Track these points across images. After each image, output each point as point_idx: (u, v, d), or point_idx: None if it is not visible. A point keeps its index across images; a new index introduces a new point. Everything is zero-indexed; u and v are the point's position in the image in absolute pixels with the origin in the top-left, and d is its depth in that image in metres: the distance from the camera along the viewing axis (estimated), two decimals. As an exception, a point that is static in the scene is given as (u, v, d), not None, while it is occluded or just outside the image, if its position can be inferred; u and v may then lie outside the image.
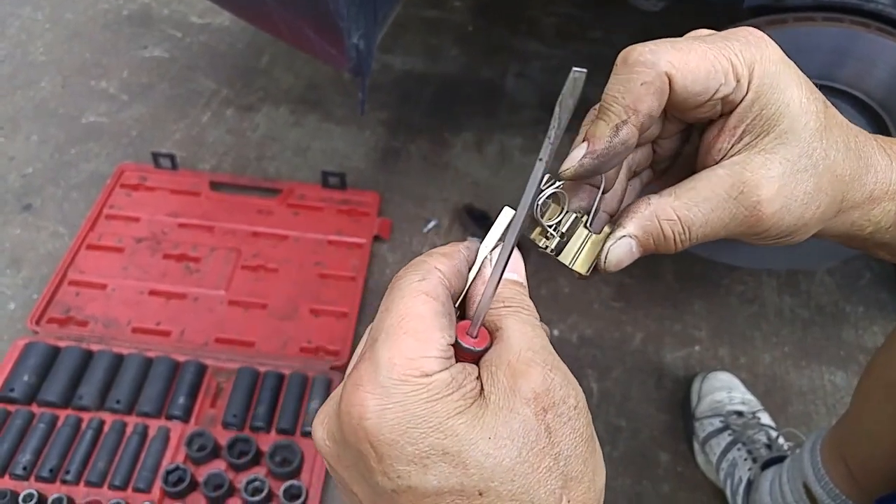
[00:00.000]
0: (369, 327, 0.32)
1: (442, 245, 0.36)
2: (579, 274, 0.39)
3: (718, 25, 0.98)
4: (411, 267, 0.33)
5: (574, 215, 0.38)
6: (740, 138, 0.37)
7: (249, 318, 1.30)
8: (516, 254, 0.35)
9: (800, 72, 0.38)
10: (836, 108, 0.92)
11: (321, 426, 0.32)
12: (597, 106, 0.38)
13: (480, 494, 0.28)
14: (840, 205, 0.40)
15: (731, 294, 1.43)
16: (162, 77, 1.77)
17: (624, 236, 0.38)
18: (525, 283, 0.35)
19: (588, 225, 0.38)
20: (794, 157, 0.37)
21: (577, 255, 0.38)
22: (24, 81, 1.74)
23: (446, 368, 0.30)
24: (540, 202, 0.37)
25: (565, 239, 0.38)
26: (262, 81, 1.77)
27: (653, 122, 0.37)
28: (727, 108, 0.37)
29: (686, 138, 0.43)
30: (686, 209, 0.37)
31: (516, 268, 0.35)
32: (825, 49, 0.91)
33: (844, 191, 0.39)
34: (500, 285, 0.32)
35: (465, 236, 1.45)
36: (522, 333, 0.31)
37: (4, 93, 1.71)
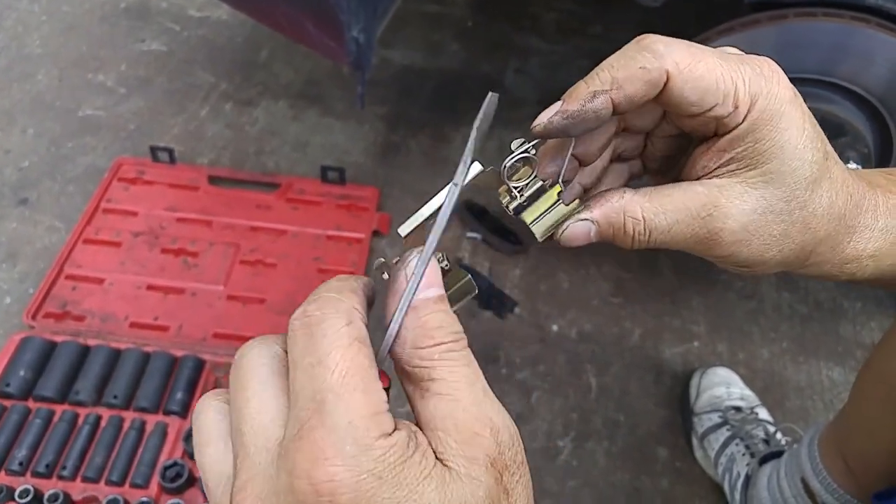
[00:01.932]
0: (292, 390, 0.28)
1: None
2: (534, 236, 0.39)
3: (719, 21, 0.98)
4: (327, 307, 0.29)
5: (541, 182, 0.38)
6: (727, 163, 0.37)
7: (248, 313, 1.29)
8: (434, 261, 0.32)
9: (808, 118, 0.37)
10: (836, 104, 0.91)
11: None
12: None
13: None
14: (809, 256, 0.40)
15: (730, 290, 1.43)
16: (160, 71, 1.76)
17: (586, 219, 0.38)
18: (444, 295, 0.31)
19: (560, 194, 0.39)
20: (772, 199, 0.37)
21: (540, 219, 0.39)
22: (21, 74, 1.73)
23: (397, 427, 0.28)
24: (508, 164, 0.37)
25: (527, 203, 0.38)
26: (261, 75, 1.76)
27: (633, 107, 0.36)
28: (721, 129, 0.37)
29: (685, 148, 0.42)
30: (653, 213, 0.37)
31: (433, 280, 0.31)
32: (825, 44, 0.90)
33: (815, 244, 0.39)
34: (424, 308, 0.30)
35: (464, 231, 1.45)
36: (462, 384, 0.29)
37: (0, 86, 1.70)
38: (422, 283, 0.31)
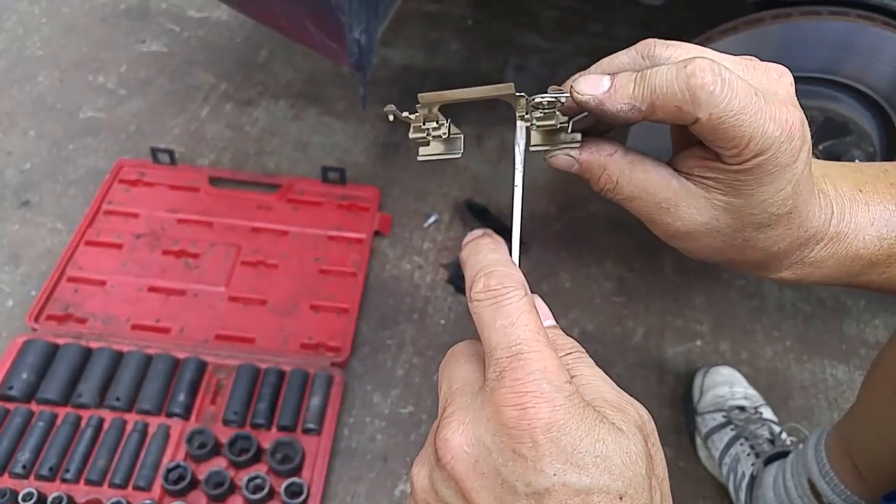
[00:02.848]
0: (486, 347, 0.33)
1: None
2: (527, 143, 0.42)
3: (721, 19, 0.97)
4: (505, 280, 0.34)
5: (553, 124, 0.41)
6: (707, 178, 0.39)
7: (249, 315, 1.29)
8: (541, 303, 0.38)
9: (804, 168, 0.38)
10: (841, 102, 0.89)
11: (458, 434, 0.32)
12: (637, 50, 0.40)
13: (620, 498, 0.30)
14: (737, 266, 0.43)
15: (732, 288, 1.42)
16: (160, 72, 1.76)
17: (572, 156, 0.41)
18: (554, 323, 0.38)
19: (568, 123, 0.41)
20: (723, 223, 0.39)
21: (544, 135, 0.42)
22: (21, 76, 1.72)
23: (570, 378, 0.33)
24: (536, 100, 0.40)
25: (532, 115, 0.41)
26: (261, 76, 1.76)
27: (644, 118, 0.38)
28: (722, 156, 0.38)
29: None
30: (626, 181, 0.40)
31: (548, 312, 0.38)
32: (830, 43, 0.90)
33: (744, 264, 0.43)
34: (550, 333, 0.35)
35: (466, 231, 1.44)
36: (598, 377, 0.34)
37: (1, 87, 1.69)
38: (544, 311, 0.38)
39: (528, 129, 0.41)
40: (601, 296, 1.39)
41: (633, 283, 1.42)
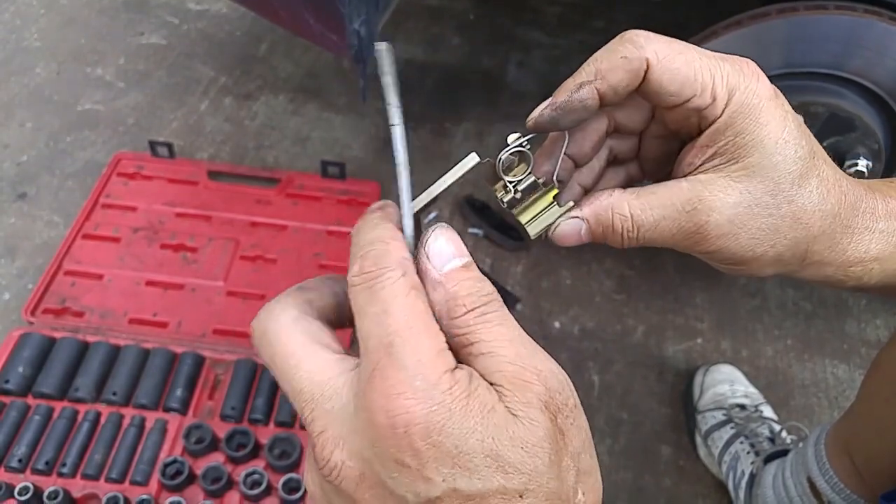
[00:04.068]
0: (360, 337, 0.30)
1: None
2: (528, 235, 0.41)
3: (725, 15, 0.96)
4: (380, 261, 0.31)
5: (534, 178, 0.39)
6: (711, 158, 0.38)
7: (248, 309, 1.28)
8: (450, 231, 0.33)
9: (791, 116, 0.38)
10: (846, 98, 0.89)
11: (337, 450, 0.29)
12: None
13: (521, 496, 0.28)
14: (805, 255, 0.40)
15: (733, 287, 1.42)
16: (159, 64, 1.75)
17: (576, 217, 0.40)
18: (471, 261, 0.33)
19: (557, 196, 0.40)
20: (756, 192, 0.37)
21: (536, 219, 0.40)
22: (19, 68, 1.71)
23: (458, 366, 0.30)
24: (504, 157, 0.39)
25: (520, 197, 0.39)
26: (260, 69, 1.75)
27: (618, 98, 0.37)
28: (703, 124, 0.38)
29: (678, 152, 0.43)
30: (640, 209, 0.38)
31: (456, 250, 0.32)
32: (836, 38, 0.89)
33: (810, 242, 0.39)
34: (450, 281, 0.31)
35: (466, 227, 1.44)
36: (502, 341, 0.30)
37: (-2, 79, 1.68)
38: (445, 254, 0.32)
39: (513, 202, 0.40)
40: (601, 293, 1.39)
41: (634, 280, 1.41)
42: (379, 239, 0.32)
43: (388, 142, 1.59)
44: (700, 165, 0.38)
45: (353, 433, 0.29)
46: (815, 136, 0.40)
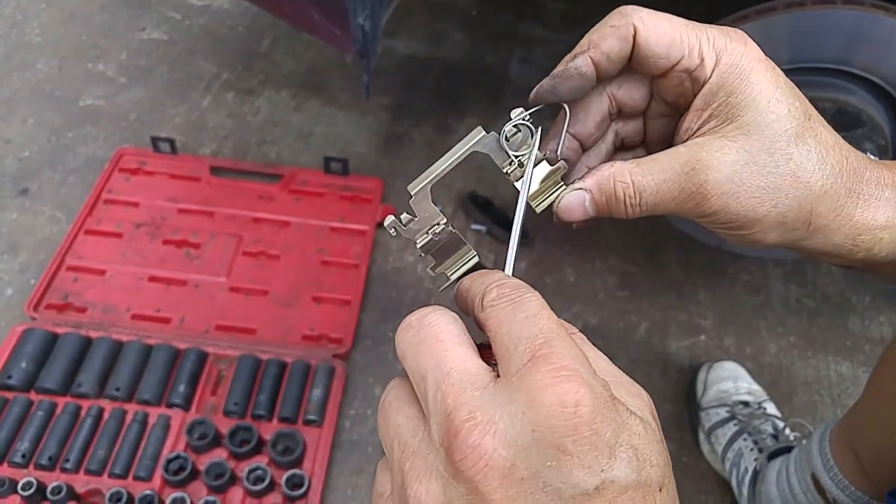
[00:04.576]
0: (505, 347, 0.30)
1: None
2: (534, 210, 0.42)
3: (730, 9, 0.95)
4: (516, 287, 0.33)
5: (538, 153, 0.41)
6: (707, 121, 0.39)
7: (251, 305, 1.28)
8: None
9: (783, 78, 0.39)
10: (853, 94, 0.88)
11: (488, 436, 0.27)
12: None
13: (660, 490, 0.28)
14: (809, 217, 0.40)
15: (737, 283, 1.42)
16: (161, 60, 1.74)
17: (580, 188, 0.40)
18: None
19: (564, 177, 0.42)
20: (752, 150, 0.38)
21: (542, 195, 0.41)
22: (20, 63, 1.71)
23: None
24: (507, 129, 0.40)
25: (522, 169, 0.41)
26: (263, 65, 1.74)
27: (612, 64, 0.39)
28: (696, 88, 0.39)
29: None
30: (641, 175, 0.39)
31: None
32: (843, 32, 0.88)
33: (813, 203, 0.39)
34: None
35: (469, 223, 1.43)
36: (607, 363, 0.33)
37: (0, 74, 1.68)
38: None
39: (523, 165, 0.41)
40: (605, 290, 1.38)
41: (637, 277, 1.41)
42: (503, 278, 0.33)
43: (390, 138, 1.60)
44: (697, 130, 0.40)
45: (508, 421, 0.28)
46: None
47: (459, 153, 0.38)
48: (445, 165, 0.38)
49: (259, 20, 1.84)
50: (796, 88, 0.40)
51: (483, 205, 1.45)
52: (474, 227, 1.43)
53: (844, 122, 0.92)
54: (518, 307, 0.31)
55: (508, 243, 0.38)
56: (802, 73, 0.91)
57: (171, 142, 1.47)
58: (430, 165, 0.38)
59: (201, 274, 1.31)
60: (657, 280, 1.41)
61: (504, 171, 0.41)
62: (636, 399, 0.31)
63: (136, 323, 1.24)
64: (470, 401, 0.28)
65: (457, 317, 0.33)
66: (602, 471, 0.27)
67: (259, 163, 1.51)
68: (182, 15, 1.86)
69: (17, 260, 1.34)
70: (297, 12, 1.06)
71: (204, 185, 1.44)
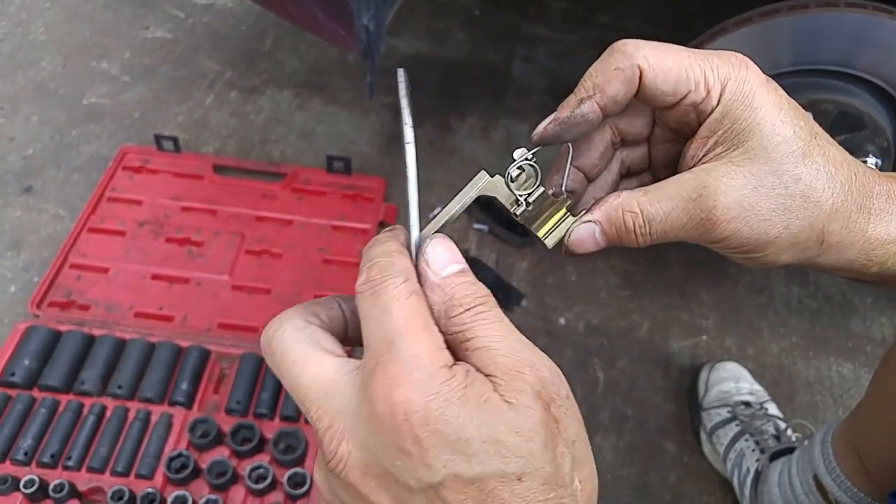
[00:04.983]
0: (364, 341, 0.32)
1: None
2: (545, 246, 0.42)
3: (733, 10, 0.96)
4: (385, 270, 0.33)
5: (543, 190, 0.41)
6: (712, 148, 0.39)
7: (253, 304, 1.28)
8: (447, 241, 0.36)
9: (786, 99, 0.39)
10: (855, 96, 0.89)
11: (343, 442, 0.31)
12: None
13: (519, 480, 0.30)
14: (822, 236, 0.40)
15: (739, 284, 1.42)
16: (164, 58, 1.75)
17: (589, 221, 0.40)
18: (466, 268, 0.35)
19: (571, 208, 0.42)
20: (759, 173, 0.38)
21: (552, 231, 0.41)
22: (24, 61, 1.71)
23: (456, 362, 0.32)
24: (512, 171, 0.40)
25: (532, 209, 0.41)
26: (266, 64, 1.75)
27: (618, 107, 0.39)
28: (701, 117, 0.39)
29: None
30: (649, 204, 0.39)
31: (453, 256, 0.35)
32: (845, 35, 0.88)
33: (825, 221, 0.39)
34: (448, 284, 0.33)
35: (471, 222, 1.44)
36: (496, 336, 0.32)
37: (4, 72, 1.68)
38: (442, 260, 0.34)
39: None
40: (607, 290, 1.39)
41: (639, 277, 1.41)
42: (385, 252, 0.34)
43: (393, 137, 1.60)
44: (703, 157, 0.40)
45: (357, 425, 0.31)
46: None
47: (465, 199, 0.38)
48: (452, 212, 0.38)
49: (262, 19, 1.84)
50: (800, 108, 0.40)
51: (485, 205, 1.45)
52: (476, 226, 1.43)
53: (847, 125, 0.92)
54: (375, 300, 0.32)
55: (410, 197, 0.36)
56: (805, 75, 0.91)
57: (175, 140, 1.48)
58: (437, 215, 0.38)
59: (204, 272, 1.31)
60: (659, 280, 1.41)
61: (511, 210, 0.41)
62: (512, 381, 0.31)
63: (138, 321, 1.24)
64: (328, 412, 0.32)
65: (303, 318, 0.35)
66: (444, 467, 0.29)
67: (262, 161, 1.51)
68: (186, 13, 1.86)
69: (20, 258, 1.35)
70: (302, 12, 1.06)
71: (207, 183, 1.45)
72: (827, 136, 0.41)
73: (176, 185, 1.44)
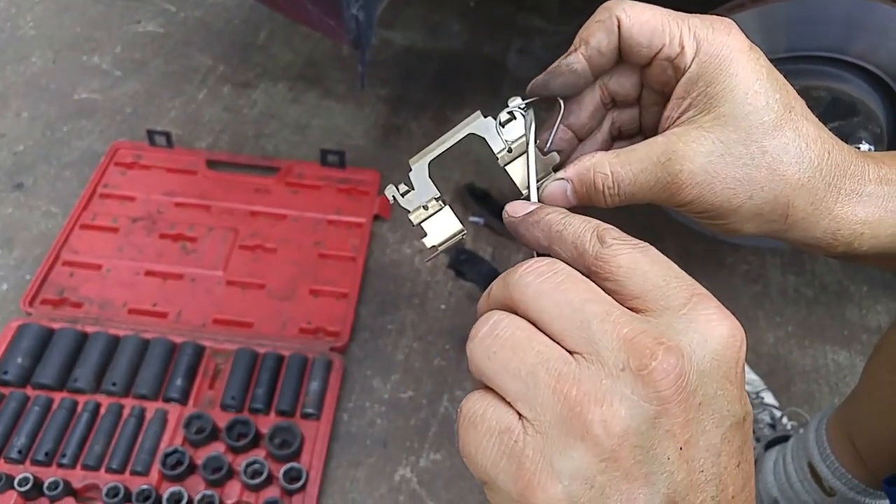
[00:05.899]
0: (658, 276, 0.32)
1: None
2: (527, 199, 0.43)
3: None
4: (624, 234, 0.35)
5: (528, 139, 0.42)
6: (686, 110, 0.40)
7: (248, 299, 1.28)
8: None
9: (766, 69, 0.39)
10: (848, 82, 0.87)
11: (685, 359, 0.29)
12: None
13: (744, 420, 0.31)
14: (786, 210, 0.40)
15: (735, 273, 1.41)
16: (156, 53, 1.73)
17: (562, 178, 0.41)
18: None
19: (556, 168, 0.43)
20: (728, 141, 0.39)
21: (530, 181, 0.43)
22: (14, 56, 1.70)
23: None
24: (502, 116, 0.42)
25: (517, 156, 0.42)
26: (259, 57, 1.73)
27: (603, 58, 0.40)
28: (678, 75, 0.40)
29: None
30: (620, 166, 0.40)
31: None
32: (838, 20, 0.88)
33: (790, 196, 0.40)
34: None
35: (467, 215, 1.43)
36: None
37: (-6, 69, 1.67)
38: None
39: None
40: (602, 281, 1.38)
41: (635, 267, 1.40)
42: (599, 222, 0.36)
43: (388, 130, 1.59)
44: (677, 119, 0.40)
45: (693, 345, 0.30)
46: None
47: (458, 133, 0.41)
48: (445, 143, 0.41)
49: (255, 12, 1.83)
50: (782, 80, 0.40)
51: (481, 197, 1.44)
52: (472, 219, 1.43)
53: (840, 111, 0.91)
54: (646, 252, 0.33)
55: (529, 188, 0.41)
56: (798, 62, 0.90)
57: (167, 135, 1.47)
58: (431, 143, 0.41)
59: (198, 268, 1.31)
60: (655, 271, 1.40)
61: (497, 156, 0.42)
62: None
63: (132, 317, 1.24)
64: (649, 328, 0.29)
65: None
66: (745, 403, 0.31)
67: (256, 156, 1.50)
68: (177, 7, 1.85)
69: (12, 255, 1.34)
70: (292, 3, 1.05)
71: (200, 178, 1.44)
72: (806, 111, 0.41)
73: (169, 181, 1.43)
